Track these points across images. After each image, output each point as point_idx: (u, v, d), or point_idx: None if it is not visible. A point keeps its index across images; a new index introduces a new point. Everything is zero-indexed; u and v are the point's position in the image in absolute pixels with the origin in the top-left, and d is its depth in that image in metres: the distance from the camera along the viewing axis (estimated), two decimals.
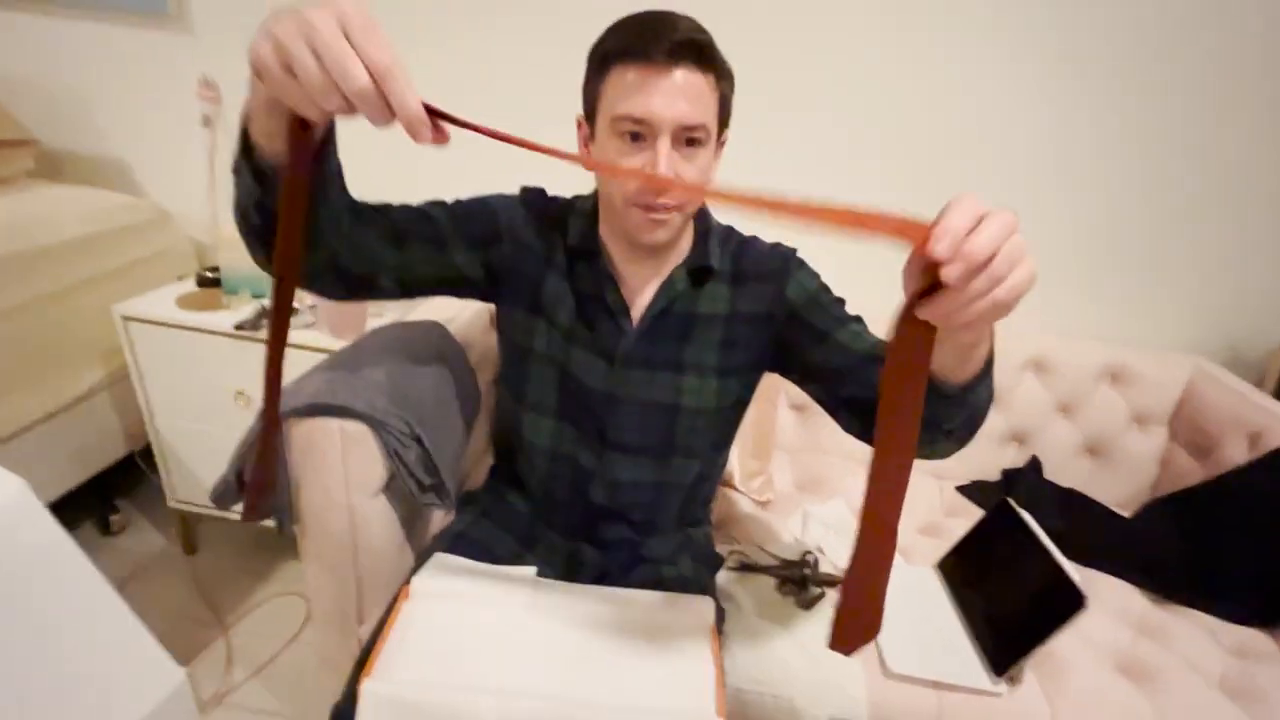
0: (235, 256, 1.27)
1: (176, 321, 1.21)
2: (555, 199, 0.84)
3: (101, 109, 1.51)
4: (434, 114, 0.41)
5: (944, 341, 0.48)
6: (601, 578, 0.82)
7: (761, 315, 0.79)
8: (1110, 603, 1.07)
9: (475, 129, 0.43)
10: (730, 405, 0.84)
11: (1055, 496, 1.33)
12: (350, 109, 0.40)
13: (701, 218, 0.81)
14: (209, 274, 1.30)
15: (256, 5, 1.38)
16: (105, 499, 1.50)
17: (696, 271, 0.79)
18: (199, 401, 1.27)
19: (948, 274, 0.38)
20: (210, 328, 1.19)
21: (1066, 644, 0.93)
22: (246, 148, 0.52)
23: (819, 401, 0.78)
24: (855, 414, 0.72)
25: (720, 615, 0.83)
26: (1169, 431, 1.35)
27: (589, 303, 0.79)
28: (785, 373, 0.82)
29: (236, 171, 0.55)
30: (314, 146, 0.50)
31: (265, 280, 1.25)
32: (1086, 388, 1.36)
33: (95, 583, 0.34)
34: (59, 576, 0.33)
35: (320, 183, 0.57)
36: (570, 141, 0.70)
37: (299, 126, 0.45)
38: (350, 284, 0.70)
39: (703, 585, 0.86)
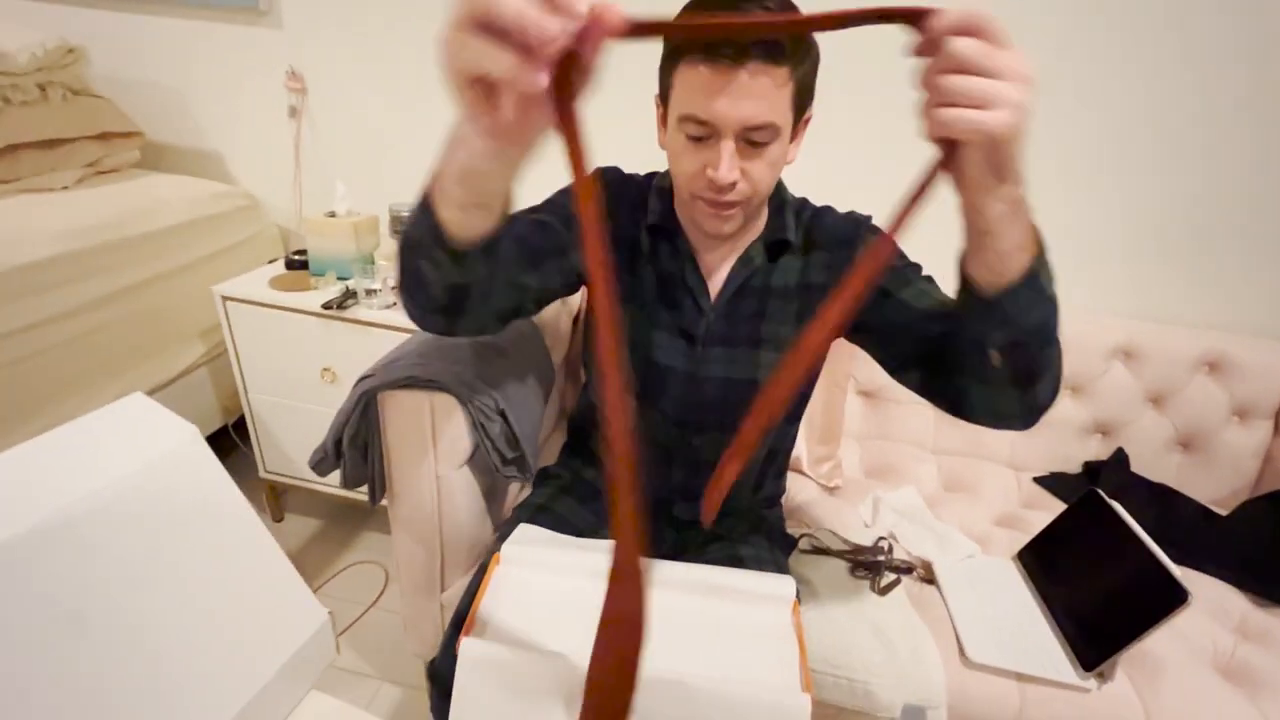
0: (320, 241, 1.34)
1: (270, 301, 1.28)
2: (633, 178, 0.84)
3: (198, 102, 1.61)
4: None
5: (978, 242, 0.50)
6: (677, 555, 0.83)
7: (832, 285, 0.77)
8: (1207, 602, 1.01)
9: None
10: (811, 375, 0.83)
11: (1145, 491, 1.26)
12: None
13: (776, 191, 0.80)
14: (297, 257, 1.37)
15: (341, 2, 1.44)
16: None
17: (773, 245, 0.78)
18: (289, 377, 1.34)
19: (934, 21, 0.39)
20: (300, 307, 1.26)
21: (1161, 643, 0.88)
22: (438, 234, 0.49)
23: (880, 362, 0.75)
24: (914, 369, 0.70)
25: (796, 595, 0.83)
26: (1274, 425, 1.26)
27: (669, 282, 0.79)
28: (851, 336, 0.79)
29: (422, 257, 0.52)
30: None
31: (350, 263, 1.31)
32: (1180, 377, 1.28)
33: (255, 525, 0.37)
34: (227, 516, 0.36)
35: (478, 263, 0.55)
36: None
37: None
38: (504, 318, 0.70)
39: (777, 565, 0.87)
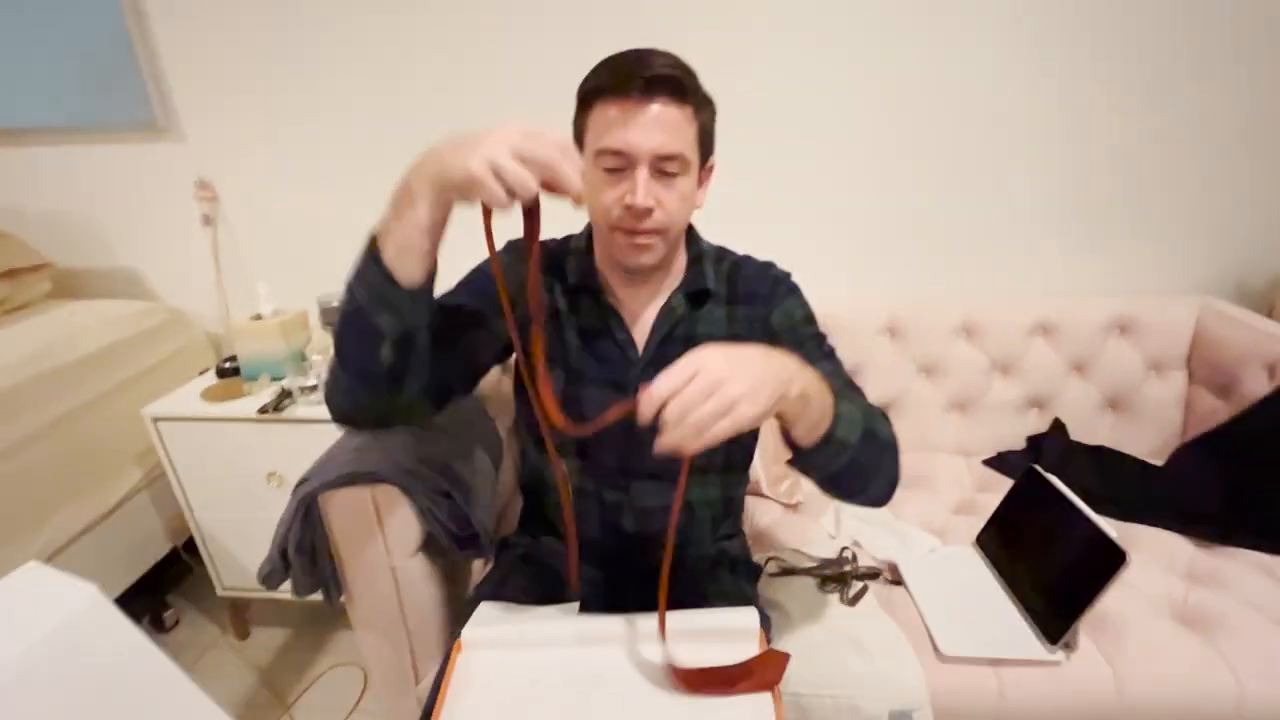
0: (250, 345, 1.32)
1: (203, 415, 1.25)
2: (547, 244, 0.86)
3: (108, 224, 1.58)
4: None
5: (785, 424, 0.62)
6: (645, 602, 0.83)
7: (755, 338, 0.81)
8: (1157, 555, 1.06)
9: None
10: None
11: (1085, 456, 1.32)
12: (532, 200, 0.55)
13: (693, 243, 0.84)
14: (227, 364, 1.35)
15: (239, 107, 1.46)
16: (156, 596, 1.53)
17: (694, 295, 0.81)
18: (234, 489, 1.30)
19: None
20: (236, 415, 1.24)
21: (1118, 603, 0.92)
22: (393, 280, 0.58)
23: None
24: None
25: (766, 622, 0.84)
26: (1187, 374, 1.34)
27: (595, 338, 0.81)
28: None
29: (380, 308, 0.59)
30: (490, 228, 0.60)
31: (282, 363, 1.30)
32: (1096, 343, 1.36)
33: (176, 678, 0.37)
34: (142, 675, 0.36)
35: (426, 305, 0.63)
36: None
37: (488, 218, 0.58)
38: (438, 399, 0.72)
39: (745, 595, 0.87)
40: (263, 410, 1.22)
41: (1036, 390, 1.38)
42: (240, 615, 1.49)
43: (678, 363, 0.53)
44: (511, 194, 0.52)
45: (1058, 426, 1.38)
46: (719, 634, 0.71)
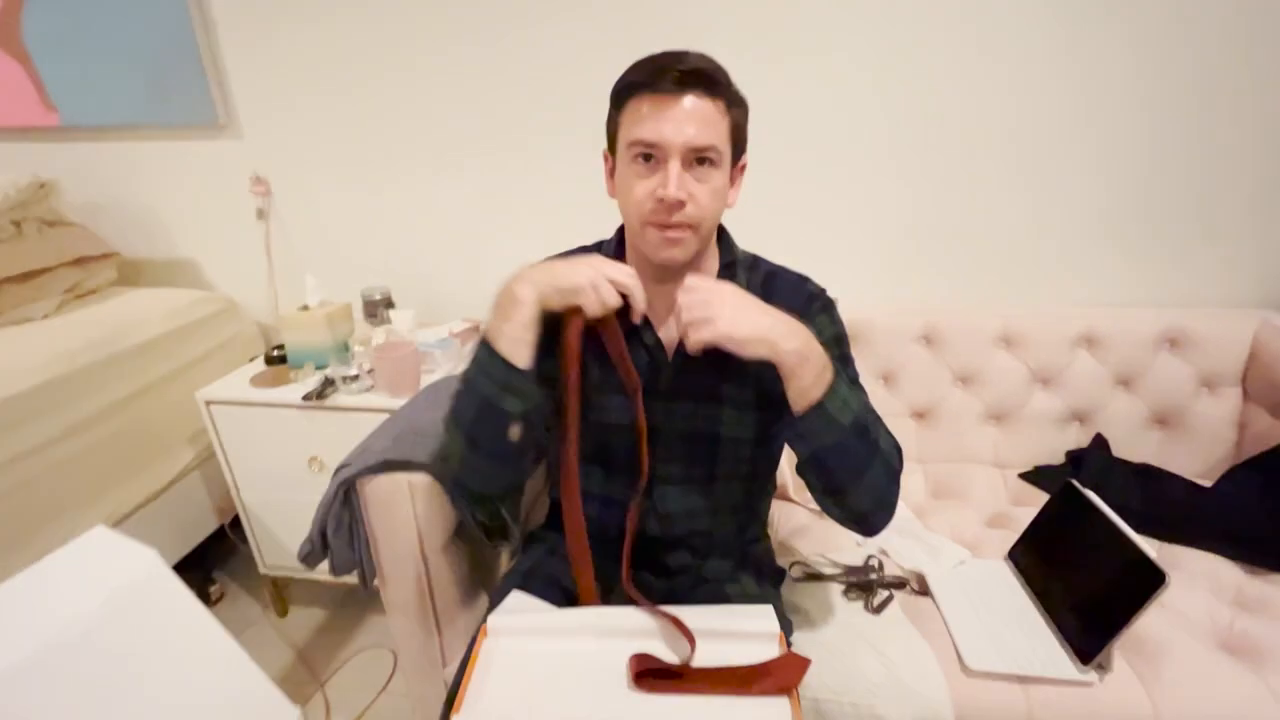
0: (296, 334, 1.38)
1: (252, 399, 1.31)
2: (570, 254, 0.87)
3: (170, 216, 1.67)
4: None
5: (784, 379, 0.68)
6: (666, 601, 0.84)
7: None
8: (1201, 578, 1.02)
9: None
10: (773, 435, 0.85)
11: (1128, 473, 1.28)
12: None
13: (727, 249, 0.84)
14: (275, 352, 1.41)
15: (294, 107, 1.52)
16: (203, 571, 1.61)
17: None
18: (278, 472, 1.36)
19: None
20: (282, 401, 1.29)
21: (1157, 626, 0.89)
22: (516, 370, 0.70)
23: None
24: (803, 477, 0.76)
25: (788, 626, 0.84)
26: (1242, 392, 1.28)
27: (625, 344, 0.82)
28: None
29: (510, 396, 0.71)
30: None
31: (326, 352, 1.35)
32: (1144, 357, 1.31)
33: (224, 641, 0.39)
34: (194, 637, 0.38)
35: (537, 385, 0.73)
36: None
37: (581, 320, 0.72)
38: (538, 456, 0.84)
39: (766, 599, 0.87)
40: (306, 397, 1.27)
41: (1079, 403, 1.34)
42: (280, 594, 1.55)
43: (706, 284, 0.69)
44: (602, 302, 0.70)
45: (1100, 442, 1.33)
46: (739, 635, 0.72)
